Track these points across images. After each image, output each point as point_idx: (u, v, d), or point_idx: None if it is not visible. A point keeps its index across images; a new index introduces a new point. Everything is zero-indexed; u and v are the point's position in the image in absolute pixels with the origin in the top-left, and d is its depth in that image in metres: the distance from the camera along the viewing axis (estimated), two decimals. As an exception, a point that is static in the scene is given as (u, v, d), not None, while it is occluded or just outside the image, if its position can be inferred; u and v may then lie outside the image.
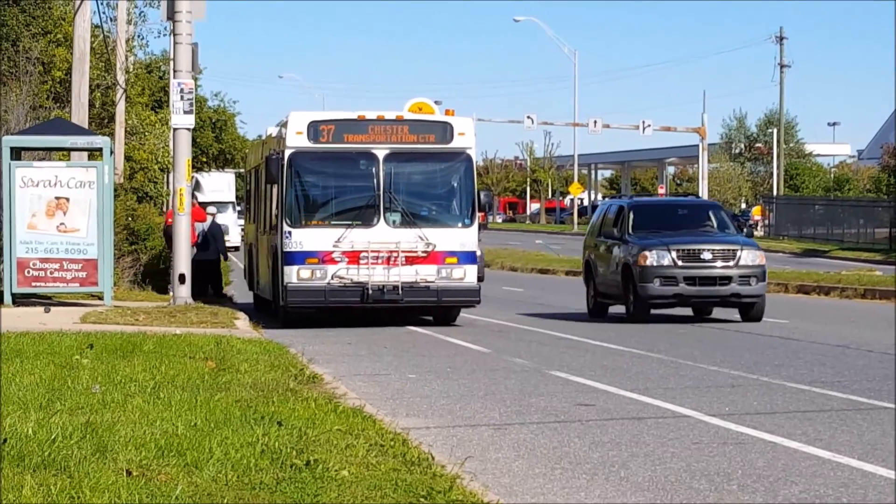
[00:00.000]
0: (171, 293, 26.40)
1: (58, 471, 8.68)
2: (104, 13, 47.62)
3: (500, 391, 15.49)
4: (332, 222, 24.87)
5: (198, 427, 10.50)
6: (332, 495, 8.20)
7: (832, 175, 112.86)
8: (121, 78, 48.46)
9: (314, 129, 24.71)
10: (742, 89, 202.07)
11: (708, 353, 19.56)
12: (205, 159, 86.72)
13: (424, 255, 24.55)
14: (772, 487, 9.55)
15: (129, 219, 35.37)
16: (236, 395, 12.61)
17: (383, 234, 24.49)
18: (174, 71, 26.59)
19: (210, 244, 32.68)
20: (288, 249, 24.39)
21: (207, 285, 32.15)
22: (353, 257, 24.32)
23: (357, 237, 24.36)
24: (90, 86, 36.16)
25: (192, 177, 29.15)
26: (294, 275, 24.30)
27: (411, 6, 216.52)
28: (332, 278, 24.33)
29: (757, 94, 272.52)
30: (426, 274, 24.51)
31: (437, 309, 25.61)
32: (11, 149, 26.27)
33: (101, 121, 48.08)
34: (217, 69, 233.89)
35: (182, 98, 26.09)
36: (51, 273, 25.84)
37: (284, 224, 24.52)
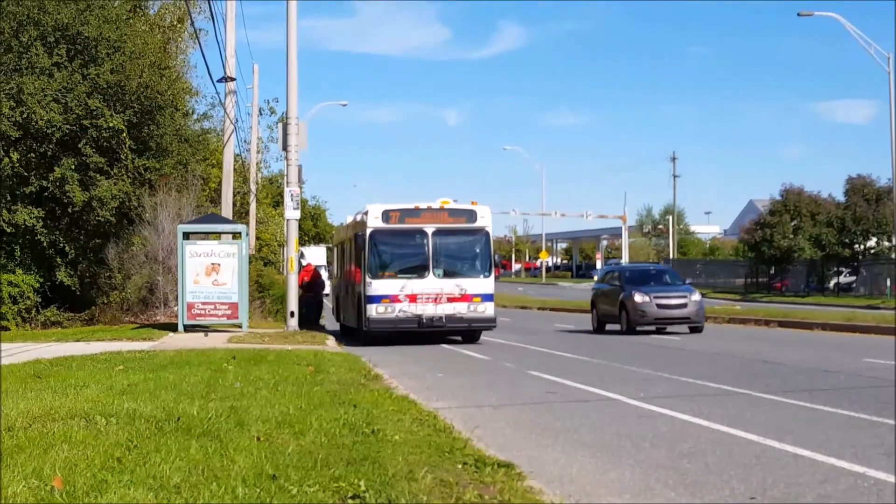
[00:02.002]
0: (286, 323, 26.34)
1: (212, 437, 8.67)
2: (243, 146, 47.97)
3: (497, 384, 15.41)
4: (398, 275, 24.76)
5: (302, 409, 10.48)
6: (389, 451, 8.16)
7: (708, 245, 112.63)
8: (253, 187, 48.65)
9: (385, 215, 24.85)
10: (650, 189, 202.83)
11: (630, 360, 19.46)
12: (306, 238, 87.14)
13: (459, 296, 24.59)
14: (671, 444, 9.49)
15: (259, 276, 35.49)
16: (327, 388, 12.58)
17: (432, 283, 24.56)
18: (287, 182, 26.67)
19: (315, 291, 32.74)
20: (369, 293, 24.43)
21: (314, 316, 32.40)
22: (412, 298, 24.43)
23: (414, 285, 24.49)
24: (233, 192, 36.37)
25: (299, 250, 29.19)
26: (374, 310, 24.36)
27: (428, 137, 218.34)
28: (398, 312, 24.39)
29: (661, 192, 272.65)
30: (460, 309, 24.57)
31: (467, 332, 25.44)
32: (183, 233, 26.50)
33: (240, 215, 48.21)
34: (315, 181, 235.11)
35: (292, 200, 26.18)
36: (208, 311, 25.87)
37: (367, 277, 24.51)
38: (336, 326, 31.92)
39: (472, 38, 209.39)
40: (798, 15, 42.99)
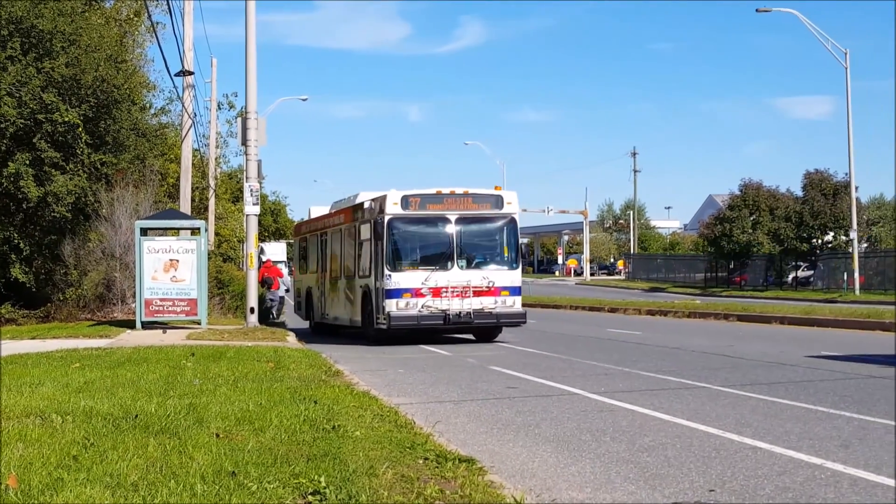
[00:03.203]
0: (245, 319, 26.19)
1: (171, 435, 8.61)
2: (201, 141, 47.62)
3: (458, 380, 15.42)
4: (419, 267, 22.82)
5: (262, 405, 10.43)
6: (349, 447, 8.15)
7: (668, 240, 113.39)
8: (212, 182, 48.37)
9: (405, 201, 22.85)
10: (611, 185, 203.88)
11: (591, 354, 19.55)
12: (266, 234, 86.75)
13: (487, 289, 22.84)
14: (631, 438, 9.55)
15: (218, 273, 35.29)
16: (287, 385, 12.54)
17: (457, 275, 22.71)
18: (246, 177, 26.50)
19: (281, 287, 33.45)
20: (388, 287, 22.45)
21: (277, 314, 33.07)
22: (436, 292, 22.56)
23: (438, 277, 22.61)
24: (192, 188, 36.12)
25: (259, 245, 29.08)
26: (394, 305, 22.43)
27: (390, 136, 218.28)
28: (421, 307, 22.51)
29: (622, 187, 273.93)
30: (488, 303, 22.82)
31: (492, 329, 23.69)
32: (141, 229, 26.29)
33: (199, 210, 47.97)
34: (275, 176, 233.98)
35: (251, 195, 26.02)
36: (167, 308, 25.68)
37: (385, 269, 22.51)
38: (302, 324, 31.78)
39: (434, 34, 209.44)
40: (757, 11, 43.33)
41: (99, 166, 31.63)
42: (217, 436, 8.50)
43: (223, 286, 35.13)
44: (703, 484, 7.53)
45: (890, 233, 74.78)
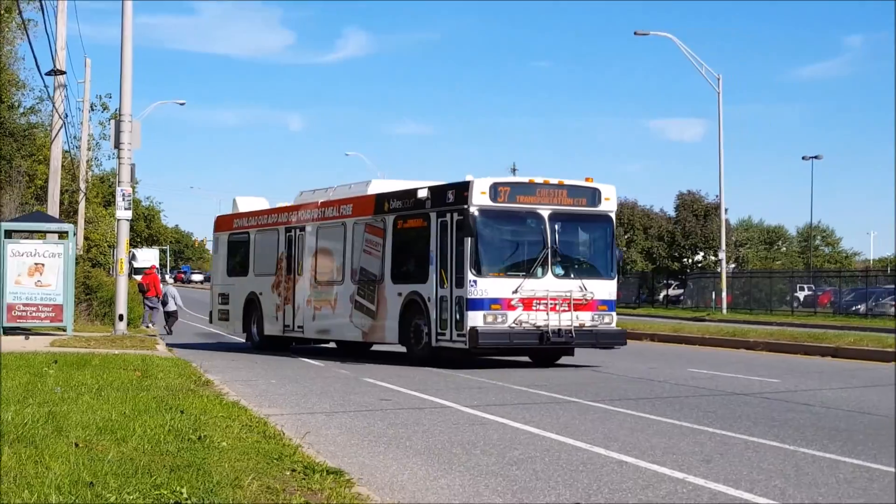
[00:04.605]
0: (114, 326, 25.52)
1: (27, 444, 8.31)
2: (72, 143, 46.34)
3: (331, 391, 15.31)
4: (508, 273, 19.17)
5: (126, 414, 10.15)
6: (215, 458, 7.99)
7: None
8: (82, 185, 47.06)
9: (494, 190, 19.12)
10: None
11: (465, 368, 19.59)
12: (139, 240, 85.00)
13: (585, 302, 19.47)
14: (501, 452, 9.61)
15: (86, 278, 34.34)
16: (154, 394, 12.22)
17: (552, 284, 19.16)
18: (119, 182, 25.86)
19: (168, 301, 32.97)
20: (472, 296, 18.73)
21: (168, 325, 32.89)
22: (528, 304, 18.98)
23: (532, 286, 19.01)
24: (61, 190, 35.08)
25: (130, 251, 28.37)
26: (480, 319, 18.72)
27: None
28: (512, 322, 18.91)
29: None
30: (584, 319, 19.42)
31: (558, 351, 20.14)
32: (5, 231, 25.41)
33: (69, 213, 46.56)
34: (150, 181, 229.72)
35: (123, 199, 25.41)
36: (30, 314, 24.81)
37: (470, 273, 18.72)
38: (190, 339, 30.33)
39: (317, 43, 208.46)
40: (635, 34, 44.41)
41: (-38, 165, 30.52)
42: (76, 445, 8.23)
43: (91, 292, 34.18)
44: (569, 497, 7.62)
45: (757, 254, 77.36)
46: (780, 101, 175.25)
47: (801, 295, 55.39)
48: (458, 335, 18.97)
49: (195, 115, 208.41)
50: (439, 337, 19.41)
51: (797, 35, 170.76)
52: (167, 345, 24.08)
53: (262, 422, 10.32)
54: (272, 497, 6.75)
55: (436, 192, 20.04)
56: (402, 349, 21.00)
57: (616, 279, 20.49)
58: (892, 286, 53.71)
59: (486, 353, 20.21)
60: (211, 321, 29.06)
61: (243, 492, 6.79)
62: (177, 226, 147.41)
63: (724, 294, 50.07)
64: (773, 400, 14.06)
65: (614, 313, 20.15)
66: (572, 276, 19.56)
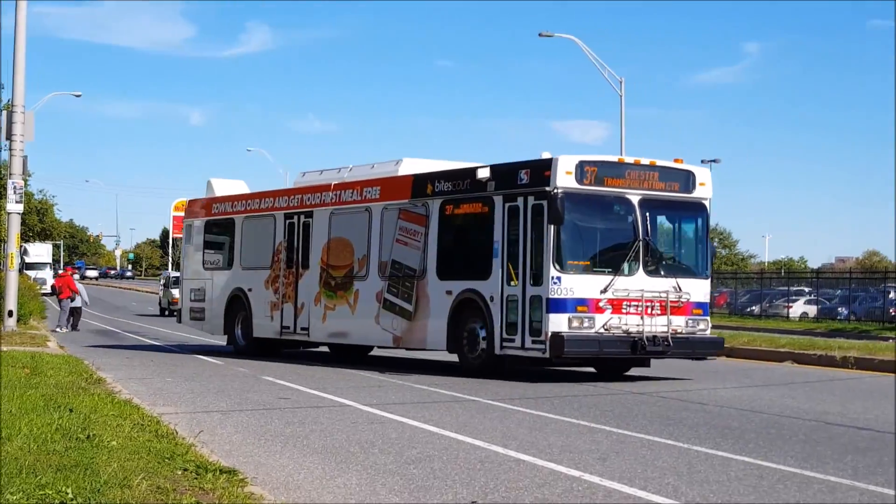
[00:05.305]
0: (3, 323, 24.77)
1: None
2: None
3: (228, 389, 15.08)
4: (595, 269, 16.50)
5: (13, 413, 9.84)
6: (104, 458, 7.79)
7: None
8: (-28, 177, 45.73)
9: (580, 170, 16.32)
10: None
11: (367, 366, 19.52)
12: (31, 234, 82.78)
13: (680, 305, 16.74)
14: (400, 450, 9.58)
15: (-25, 273, 33.36)
16: (43, 392, 11.88)
17: (643, 283, 16.48)
18: (10, 174, 25.18)
19: (77, 298, 32.28)
20: (554, 295, 15.92)
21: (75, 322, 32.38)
22: (618, 306, 16.26)
23: (622, 285, 16.34)
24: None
25: (22, 246, 27.61)
26: (564, 322, 15.89)
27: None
28: (600, 328, 16.11)
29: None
30: (677, 325, 16.63)
31: (627, 362, 17.39)
32: None
33: (-43, 206, 45.11)
34: (43, 174, 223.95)
35: (15, 192, 24.74)
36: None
37: (552, 268, 15.97)
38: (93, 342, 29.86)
39: (219, 37, 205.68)
40: (539, 35, 44.77)
41: None
42: (-42, 445, 7.95)
43: (-19, 288, 33.20)
44: (466, 495, 7.62)
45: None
46: (680, 106, 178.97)
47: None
48: (535, 342, 16.19)
49: (92, 108, 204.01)
50: (505, 344, 16.63)
51: (698, 41, 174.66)
52: (72, 343, 23.49)
53: (155, 420, 10.12)
54: (162, 497, 6.61)
55: (502, 172, 17.24)
56: (436, 354, 19.15)
57: (710, 279, 17.92)
58: (786, 288, 55.30)
59: (568, 364, 17.79)
60: (180, 321, 25.70)
61: (132, 492, 6.63)
62: (71, 220, 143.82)
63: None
64: (668, 399, 14.30)
65: (708, 318, 17.49)
66: (664, 273, 16.91)
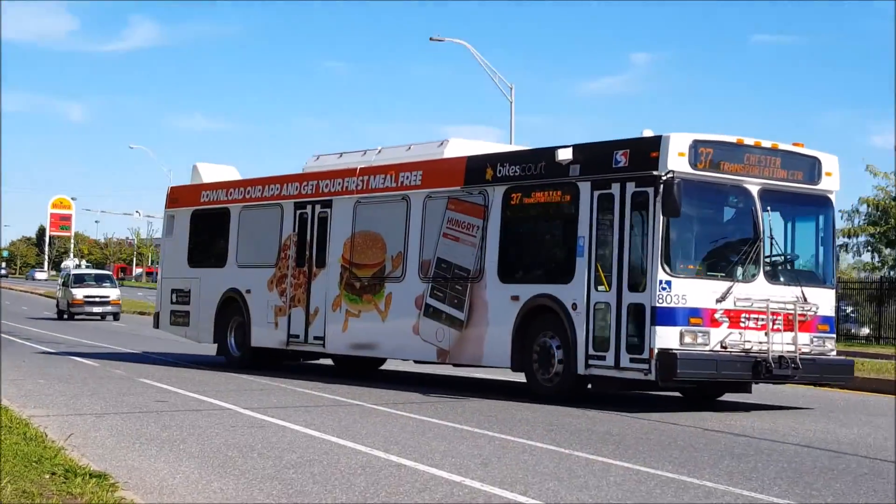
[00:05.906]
0: None
1: None
2: None
3: (103, 392, 14.68)
4: (707, 273, 13.73)
5: None
6: (-34, 461, 7.49)
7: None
8: None
9: (694, 152, 13.52)
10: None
11: (247, 369, 19.15)
12: None
13: (806, 319, 14.03)
14: (279, 455, 9.45)
15: None
16: None
17: (765, 291, 13.76)
18: None
19: None
20: (664, 304, 13.17)
21: None
22: (735, 319, 13.51)
23: (743, 293, 13.59)
24: None
25: None
26: (675, 338, 13.15)
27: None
28: (716, 345, 13.36)
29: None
30: (801, 343, 13.84)
31: (719, 386, 14.67)
32: None
33: None
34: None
35: None
36: None
37: (660, 270, 13.21)
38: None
39: (102, 30, 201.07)
40: (430, 39, 44.87)
41: None
42: None
43: None
44: (345, 500, 7.54)
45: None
46: (569, 113, 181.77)
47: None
48: (635, 360, 13.39)
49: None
50: (592, 362, 13.86)
51: (587, 50, 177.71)
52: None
53: (24, 423, 9.80)
54: (27, 501, 6.37)
55: (589, 153, 14.42)
56: (501, 373, 16.91)
57: (835, 288, 15.26)
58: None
59: (675, 389, 14.81)
60: (157, 325, 22.19)
61: (-5, 497, 6.38)
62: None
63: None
64: (551, 405, 14.41)
65: (835, 336, 14.82)
66: (786, 280, 14.25)
